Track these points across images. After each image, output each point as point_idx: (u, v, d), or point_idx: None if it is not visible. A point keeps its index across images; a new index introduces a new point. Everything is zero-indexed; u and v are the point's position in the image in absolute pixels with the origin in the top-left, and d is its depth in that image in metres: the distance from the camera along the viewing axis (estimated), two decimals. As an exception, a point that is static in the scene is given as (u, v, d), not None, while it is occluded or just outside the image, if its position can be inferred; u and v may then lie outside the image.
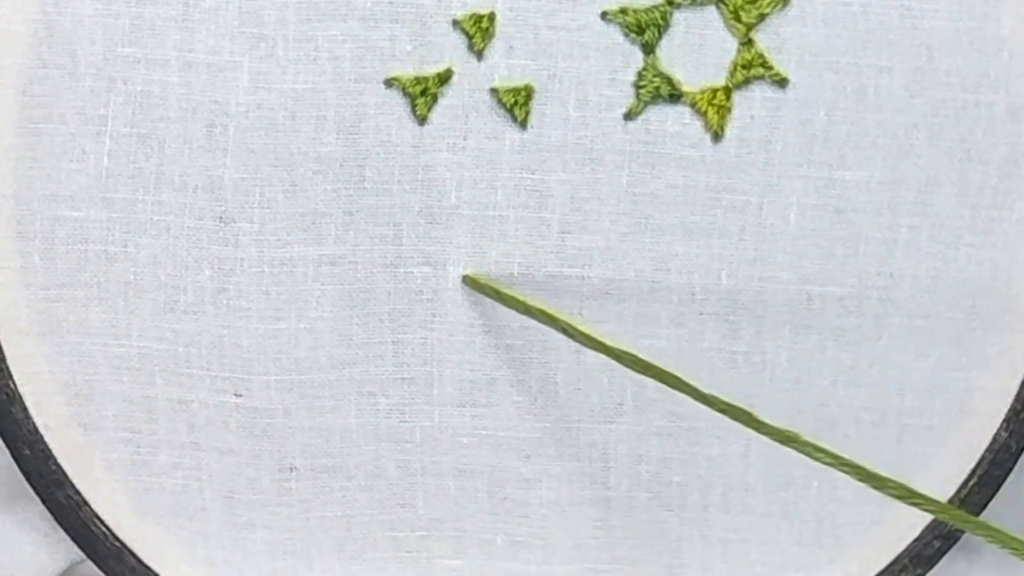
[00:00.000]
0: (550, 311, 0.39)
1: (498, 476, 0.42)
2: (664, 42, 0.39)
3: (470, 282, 0.40)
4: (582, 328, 0.39)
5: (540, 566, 0.43)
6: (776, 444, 0.34)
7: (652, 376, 0.37)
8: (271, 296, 0.40)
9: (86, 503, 0.42)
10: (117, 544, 0.42)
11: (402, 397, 0.41)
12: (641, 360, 0.36)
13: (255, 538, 0.42)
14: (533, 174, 0.40)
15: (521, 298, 0.40)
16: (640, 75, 0.39)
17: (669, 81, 0.39)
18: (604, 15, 0.39)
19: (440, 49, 0.39)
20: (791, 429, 0.34)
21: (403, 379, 0.41)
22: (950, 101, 0.40)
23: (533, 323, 0.40)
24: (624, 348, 0.38)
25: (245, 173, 0.40)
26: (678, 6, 0.39)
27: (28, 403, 0.41)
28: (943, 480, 0.42)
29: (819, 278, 0.40)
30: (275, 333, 0.41)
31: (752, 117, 0.40)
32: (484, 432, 0.41)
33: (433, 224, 0.40)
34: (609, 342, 0.38)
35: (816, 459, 0.34)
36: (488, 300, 0.40)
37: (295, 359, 0.41)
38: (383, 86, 0.39)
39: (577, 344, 0.40)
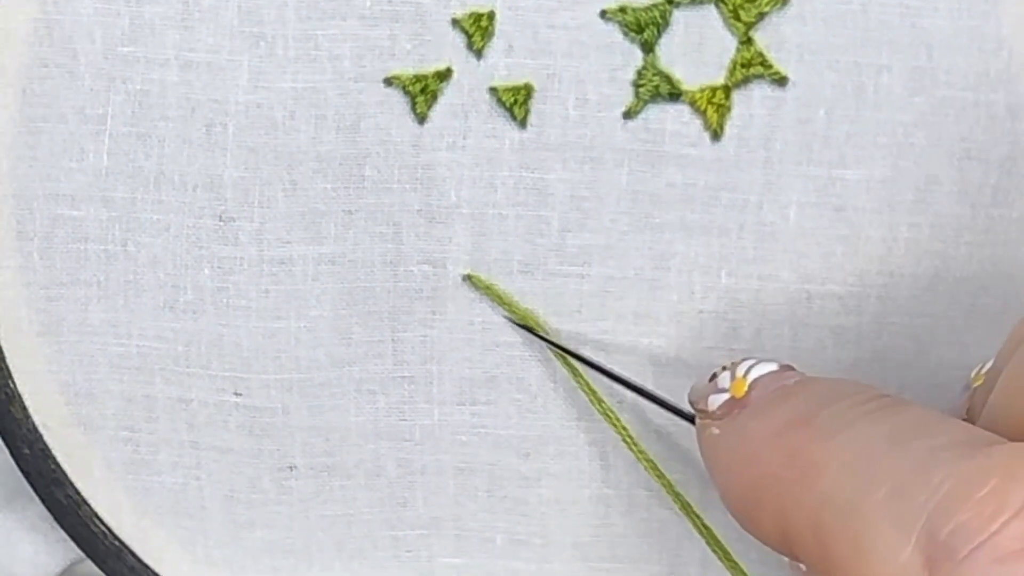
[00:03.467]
0: (540, 325, 0.40)
1: (498, 474, 0.42)
2: (663, 41, 0.39)
3: (470, 282, 0.40)
4: (564, 345, 0.40)
5: (540, 564, 0.43)
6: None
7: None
8: (271, 295, 0.40)
9: (85, 502, 0.42)
10: (116, 543, 0.42)
11: (402, 395, 0.41)
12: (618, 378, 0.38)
13: (255, 537, 0.42)
14: (533, 173, 0.40)
15: (519, 308, 0.40)
16: (639, 74, 0.39)
17: (668, 80, 0.39)
18: (603, 14, 0.39)
19: (439, 48, 0.39)
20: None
21: (403, 377, 0.41)
22: (950, 100, 0.40)
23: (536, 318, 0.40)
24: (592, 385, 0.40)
25: (245, 172, 0.40)
26: (677, 5, 0.39)
27: (27, 402, 0.41)
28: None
29: (819, 277, 0.40)
30: (275, 332, 0.41)
31: (751, 116, 0.40)
32: (484, 430, 0.41)
33: (433, 223, 0.40)
34: (586, 360, 0.40)
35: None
36: (487, 299, 0.40)
37: (295, 358, 0.41)
38: (383, 85, 0.39)
39: (576, 342, 0.41)
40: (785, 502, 0.30)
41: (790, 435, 0.31)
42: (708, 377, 0.35)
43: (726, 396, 0.34)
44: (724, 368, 0.35)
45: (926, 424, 0.29)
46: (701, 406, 0.34)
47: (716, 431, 0.34)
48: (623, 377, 0.39)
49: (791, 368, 0.34)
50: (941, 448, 0.28)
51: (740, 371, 0.34)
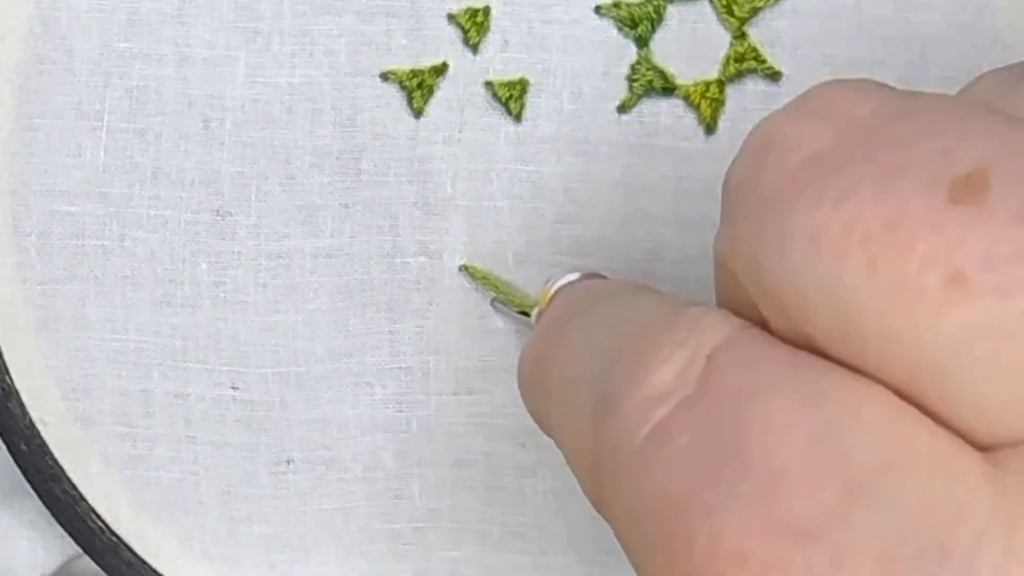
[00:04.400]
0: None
1: (494, 465, 0.42)
2: (657, 36, 0.39)
3: (466, 271, 0.40)
4: None
5: (536, 556, 0.43)
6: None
7: None
8: (268, 289, 0.41)
9: (83, 498, 0.42)
10: (114, 539, 0.42)
11: (399, 387, 0.41)
12: None
13: (252, 532, 0.42)
14: (527, 166, 0.40)
15: (516, 294, 0.40)
16: (633, 68, 0.40)
17: (662, 74, 0.40)
18: (598, 9, 0.39)
19: (435, 43, 0.39)
20: None
21: (400, 368, 0.41)
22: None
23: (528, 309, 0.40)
24: None
25: (242, 167, 0.40)
26: (671, 0, 0.39)
27: (25, 398, 0.41)
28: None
29: (812, 269, 0.40)
30: (272, 326, 0.41)
31: (745, 110, 0.40)
32: (480, 420, 0.41)
33: (429, 215, 0.40)
34: None
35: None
36: (483, 287, 0.40)
37: (292, 351, 0.41)
38: (379, 79, 0.39)
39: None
40: (535, 406, 0.30)
41: (544, 336, 0.31)
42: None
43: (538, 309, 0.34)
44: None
45: (648, 303, 0.28)
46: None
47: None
48: None
49: (598, 276, 0.34)
50: (643, 319, 0.27)
51: (548, 284, 0.34)
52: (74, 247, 0.40)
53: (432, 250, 0.40)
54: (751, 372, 0.24)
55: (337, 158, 0.40)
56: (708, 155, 0.40)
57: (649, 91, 0.40)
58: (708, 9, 0.39)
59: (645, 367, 0.24)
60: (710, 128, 0.40)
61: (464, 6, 0.39)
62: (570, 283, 0.34)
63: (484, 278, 0.40)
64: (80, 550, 0.43)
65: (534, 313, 0.34)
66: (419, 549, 0.43)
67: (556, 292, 0.34)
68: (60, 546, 0.43)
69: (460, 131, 0.40)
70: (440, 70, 0.39)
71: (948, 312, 0.21)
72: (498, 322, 0.41)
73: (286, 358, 0.41)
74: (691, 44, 0.39)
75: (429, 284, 0.40)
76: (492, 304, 0.41)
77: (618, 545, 0.43)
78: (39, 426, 0.41)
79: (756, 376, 0.23)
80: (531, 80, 0.39)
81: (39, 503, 0.42)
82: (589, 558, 0.43)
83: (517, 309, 0.40)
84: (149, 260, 0.40)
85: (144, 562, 0.42)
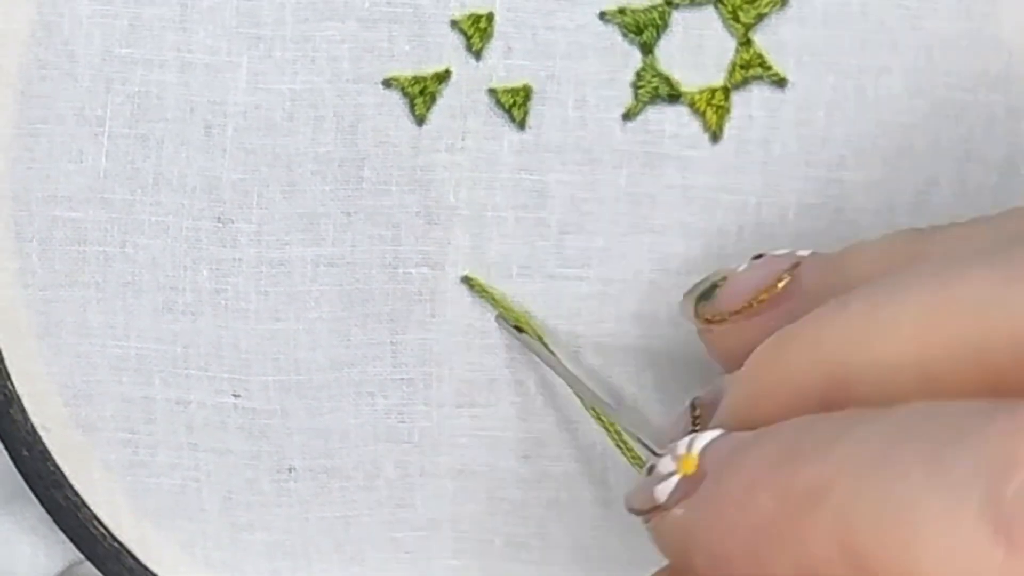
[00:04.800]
0: (534, 328, 0.40)
1: (497, 477, 0.42)
2: (663, 42, 0.39)
3: (467, 283, 0.40)
4: (559, 355, 0.40)
5: (539, 567, 0.43)
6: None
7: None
8: (269, 297, 0.40)
9: (84, 504, 0.42)
10: (115, 545, 0.42)
11: (401, 398, 0.41)
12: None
13: (254, 539, 0.42)
14: (532, 175, 0.40)
15: (512, 311, 0.40)
16: (638, 75, 0.39)
17: (667, 81, 0.39)
18: (602, 15, 0.39)
19: (438, 49, 0.39)
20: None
21: (402, 380, 0.41)
22: (949, 101, 0.40)
23: (532, 322, 0.40)
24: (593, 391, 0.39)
25: (243, 173, 0.40)
26: (676, 6, 0.39)
27: (26, 404, 0.41)
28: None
29: (818, 278, 0.40)
30: (273, 334, 0.41)
31: (751, 117, 0.40)
32: (483, 432, 0.41)
33: (432, 224, 0.40)
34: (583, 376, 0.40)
35: None
36: (482, 300, 0.40)
37: (293, 360, 0.41)
38: (381, 86, 0.39)
39: (576, 344, 0.41)
40: (794, 541, 0.27)
41: (775, 475, 0.28)
42: (643, 473, 0.32)
43: (675, 480, 0.30)
44: (656, 455, 0.32)
45: (922, 407, 0.27)
46: (647, 505, 0.31)
47: (680, 511, 0.30)
48: (600, 398, 0.39)
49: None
50: (959, 417, 0.25)
51: (681, 449, 0.30)
52: (76, 253, 0.40)
53: (434, 260, 0.40)
54: None
55: (339, 165, 0.40)
56: (714, 163, 0.40)
57: (654, 98, 0.39)
58: (714, 15, 0.39)
59: None
60: (715, 136, 0.40)
61: (467, 12, 0.39)
62: (722, 437, 0.30)
63: (483, 291, 0.40)
64: (82, 556, 0.43)
65: (662, 491, 0.30)
66: (421, 558, 0.43)
67: (704, 451, 0.30)
68: (62, 551, 0.43)
69: (463, 139, 0.40)
70: (443, 77, 0.39)
71: None
72: (503, 336, 0.41)
73: (287, 366, 0.41)
74: (696, 51, 0.39)
75: (431, 295, 0.40)
76: (496, 320, 0.41)
77: (620, 555, 0.43)
78: (40, 432, 0.41)
79: None
80: (535, 87, 0.39)
81: (41, 509, 0.42)
82: (592, 568, 0.43)
83: (513, 325, 0.40)
84: (150, 266, 0.40)
85: (146, 568, 0.42)
